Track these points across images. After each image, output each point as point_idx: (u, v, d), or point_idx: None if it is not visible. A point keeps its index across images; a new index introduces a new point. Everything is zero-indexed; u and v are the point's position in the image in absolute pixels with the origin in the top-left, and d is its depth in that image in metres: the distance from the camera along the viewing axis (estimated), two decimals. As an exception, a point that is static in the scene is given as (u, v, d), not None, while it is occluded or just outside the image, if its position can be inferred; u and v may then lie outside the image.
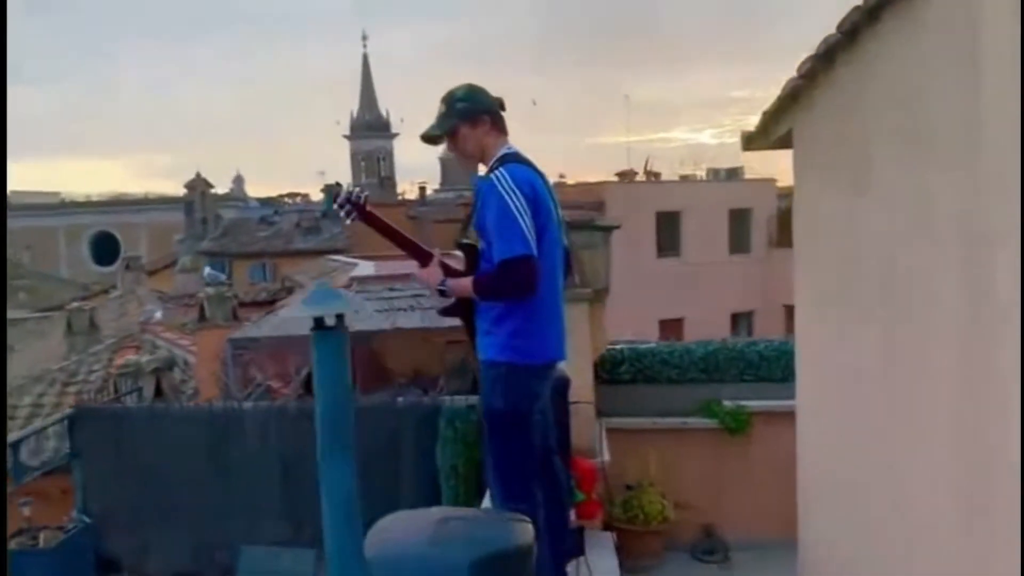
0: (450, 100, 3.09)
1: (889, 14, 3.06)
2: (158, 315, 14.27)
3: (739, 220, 23.38)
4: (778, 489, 5.31)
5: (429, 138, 3.13)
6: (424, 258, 3.13)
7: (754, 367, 6.87)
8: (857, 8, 3.20)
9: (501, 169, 2.95)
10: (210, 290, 12.21)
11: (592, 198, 21.44)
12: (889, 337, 3.24)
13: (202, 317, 12.27)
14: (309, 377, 10.88)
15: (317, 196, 34.59)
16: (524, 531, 2.58)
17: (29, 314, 22.76)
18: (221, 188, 35.85)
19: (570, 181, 24.39)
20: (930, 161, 2.77)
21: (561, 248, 3.20)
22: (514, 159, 3.05)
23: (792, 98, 4.38)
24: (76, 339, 15.35)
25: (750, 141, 5.25)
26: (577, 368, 5.53)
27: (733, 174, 26.79)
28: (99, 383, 10.60)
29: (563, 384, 4.65)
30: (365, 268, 13.92)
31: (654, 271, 20.94)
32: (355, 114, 43.30)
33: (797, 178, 4.72)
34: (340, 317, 1.91)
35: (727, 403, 6.80)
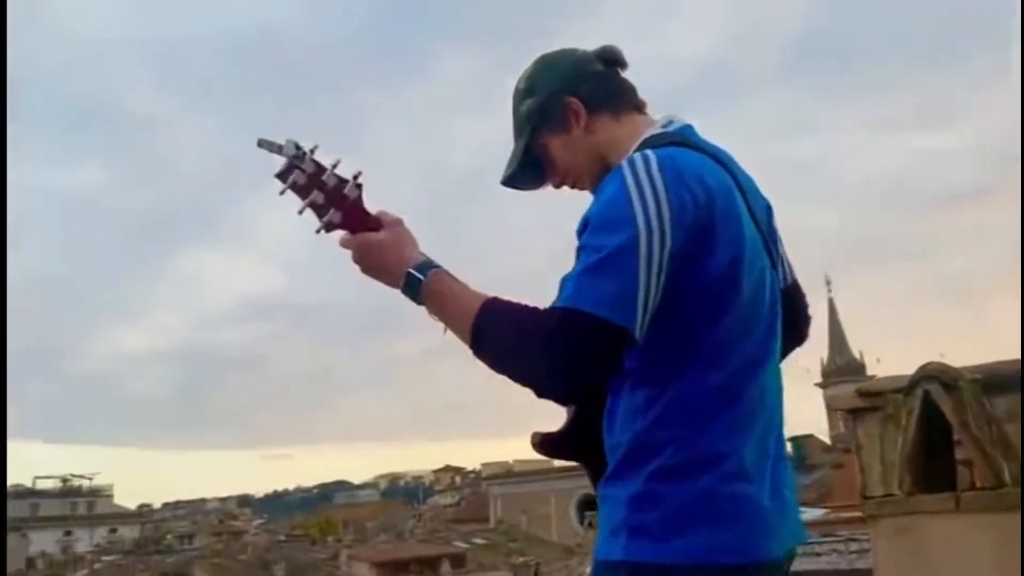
0: (516, 101, 1.62)
1: None
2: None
3: None
4: None
5: (512, 183, 1.65)
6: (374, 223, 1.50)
7: None
8: None
9: (646, 151, 1.38)
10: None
11: None
12: None
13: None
14: None
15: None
16: None
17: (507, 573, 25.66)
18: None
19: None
20: None
21: (776, 310, 1.46)
22: (672, 139, 1.45)
23: None
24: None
25: None
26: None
27: None
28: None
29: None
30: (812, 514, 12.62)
31: None
32: (825, 360, 43.76)
33: None
34: None
35: None
